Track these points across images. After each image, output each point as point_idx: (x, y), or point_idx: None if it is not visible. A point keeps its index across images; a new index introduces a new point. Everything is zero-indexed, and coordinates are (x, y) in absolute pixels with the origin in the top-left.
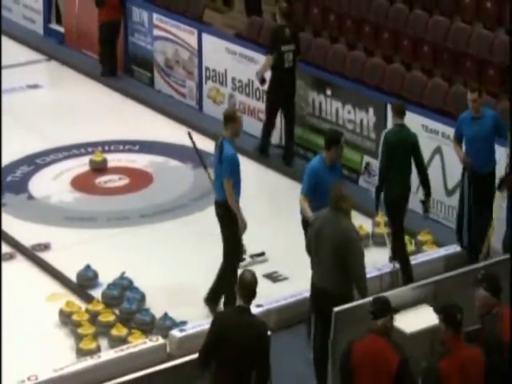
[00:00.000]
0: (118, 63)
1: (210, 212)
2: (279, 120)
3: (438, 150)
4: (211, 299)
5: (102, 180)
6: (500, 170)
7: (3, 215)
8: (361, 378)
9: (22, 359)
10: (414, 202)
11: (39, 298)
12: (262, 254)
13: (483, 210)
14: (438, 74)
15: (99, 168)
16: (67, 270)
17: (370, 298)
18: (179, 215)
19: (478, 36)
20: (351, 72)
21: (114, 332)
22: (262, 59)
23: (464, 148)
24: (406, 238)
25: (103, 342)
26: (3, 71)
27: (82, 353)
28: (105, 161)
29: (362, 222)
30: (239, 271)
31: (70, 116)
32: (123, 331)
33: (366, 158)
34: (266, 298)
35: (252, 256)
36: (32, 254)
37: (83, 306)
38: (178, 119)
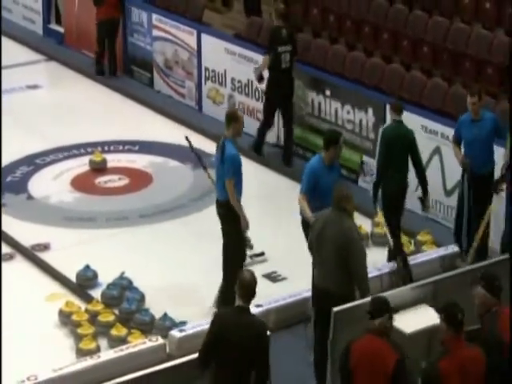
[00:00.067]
0: (117, 63)
1: (210, 212)
2: (277, 120)
3: (437, 151)
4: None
5: (101, 180)
6: (499, 172)
7: (3, 215)
8: (359, 379)
9: (21, 359)
10: (414, 202)
11: (39, 298)
12: (262, 253)
13: (483, 210)
14: (437, 74)
15: (99, 168)
16: (67, 270)
17: (369, 298)
18: (178, 215)
19: (477, 36)
20: (351, 72)
21: (114, 332)
22: (261, 59)
23: (463, 150)
24: (406, 238)
25: (103, 342)
26: (3, 71)
27: (81, 353)
28: (104, 161)
29: (361, 222)
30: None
31: (70, 116)
32: (123, 331)
33: (366, 159)
34: (266, 298)
35: (251, 256)
36: (32, 254)
37: (83, 306)
38: (177, 119)
